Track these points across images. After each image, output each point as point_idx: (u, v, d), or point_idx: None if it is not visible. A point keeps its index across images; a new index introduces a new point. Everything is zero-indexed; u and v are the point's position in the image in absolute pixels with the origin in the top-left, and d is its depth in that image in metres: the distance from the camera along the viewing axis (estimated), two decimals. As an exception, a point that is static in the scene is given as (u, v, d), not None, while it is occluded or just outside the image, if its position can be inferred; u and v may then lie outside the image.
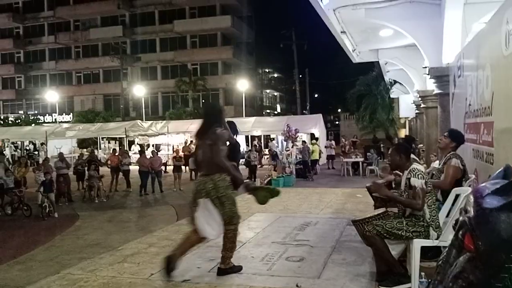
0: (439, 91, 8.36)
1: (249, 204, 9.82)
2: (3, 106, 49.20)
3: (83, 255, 6.23)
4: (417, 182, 4.01)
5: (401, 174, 4.50)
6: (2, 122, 40.40)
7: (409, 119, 26.65)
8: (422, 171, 4.12)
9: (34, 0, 47.55)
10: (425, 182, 4.04)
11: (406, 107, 19.38)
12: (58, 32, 46.75)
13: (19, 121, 39.93)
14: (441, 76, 8.09)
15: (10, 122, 39.83)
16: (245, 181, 5.33)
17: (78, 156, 17.06)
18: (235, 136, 7.07)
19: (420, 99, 11.78)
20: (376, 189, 4.80)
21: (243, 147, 21.27)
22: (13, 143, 29.37)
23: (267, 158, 21.49)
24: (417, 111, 16.58)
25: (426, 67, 8.60)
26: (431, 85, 9.37)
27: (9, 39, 47.97)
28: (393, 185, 5.59)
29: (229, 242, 4.78)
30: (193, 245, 4.85)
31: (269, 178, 13.88)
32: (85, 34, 45.62)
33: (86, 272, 5.11)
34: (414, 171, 4.09)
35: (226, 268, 4.81)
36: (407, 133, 26.85)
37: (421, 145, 15.11)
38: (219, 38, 43.56)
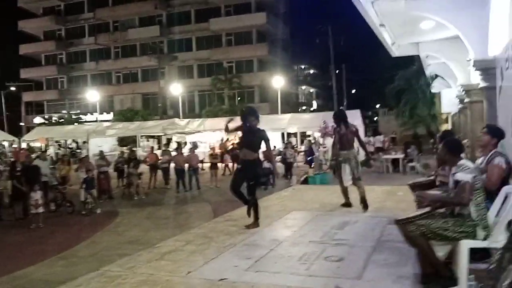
0: (485, 84, 7.94)
1: (285, 202, 9.74)
2: (47, 106, 51.18)
3: (122, 252, 6.32)
4: (464, 176, 3.81)
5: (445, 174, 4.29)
6: (46, 121, 41.98)
7: (451, 114, 25.74)
8: (470, 166, 3.91)
9: (75, 2, 49.20)
10: (474, 176, 3.82)
11: (449, 102, 18.67)
12: (98, 33, 48.18)
13: (62, 120, 41.31)
14: (487, 68, 7.68)
15: (53, 121, 41.29)
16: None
17: (119, 154, 17.46)
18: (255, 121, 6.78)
19: (464, 93, 11.31)
20: (424, 201, 4.41)
21: (278, 145, 21.15)
22: (57, 141, 30.47)
23: (303, 155, 21.27)
24: (460, 106, 15.94)
25: (470, 60, 8.21)
26: (475, 79, 8.94)
27: (52, 41, 49.93)
28: (437, 183, 5.35)
29: (362, 188, 7.87)
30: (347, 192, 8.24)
31: (305, 176, 13.71)
32: (124, 34, 46.78)
33: (125, 269, 5.16)
34: (461, 166, 3.89)
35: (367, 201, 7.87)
36: (449, 129, 25.94)
37: (465, 140, 14.53)
38: (254, 35, 43.60)
